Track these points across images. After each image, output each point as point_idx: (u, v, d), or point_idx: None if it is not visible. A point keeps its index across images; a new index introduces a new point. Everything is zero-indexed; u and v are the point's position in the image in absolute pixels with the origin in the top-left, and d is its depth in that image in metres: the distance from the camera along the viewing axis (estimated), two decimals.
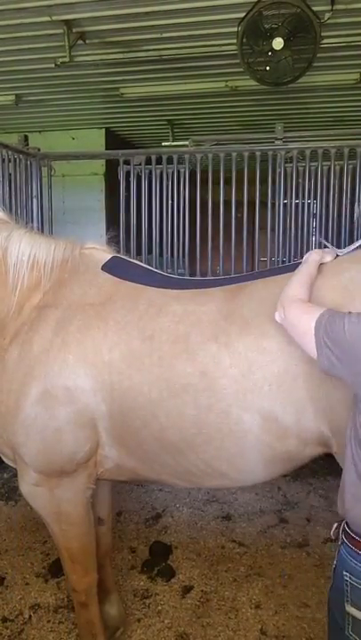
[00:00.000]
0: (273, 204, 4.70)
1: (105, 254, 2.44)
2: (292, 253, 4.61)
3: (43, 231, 4.85)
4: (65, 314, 2.20)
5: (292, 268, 2.17)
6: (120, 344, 2.10)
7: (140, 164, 4.77)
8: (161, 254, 4.98)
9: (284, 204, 4.61)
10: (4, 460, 2.43)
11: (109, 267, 2.36)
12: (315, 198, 4.69)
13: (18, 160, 4.61)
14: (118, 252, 2.55)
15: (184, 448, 2.08)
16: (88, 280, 2.30)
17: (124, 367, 2.08)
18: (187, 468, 2.14)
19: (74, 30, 4.63)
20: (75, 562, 2.37)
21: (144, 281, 2.30)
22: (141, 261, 4.86)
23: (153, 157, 4.78)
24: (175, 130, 7.61)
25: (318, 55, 4.53)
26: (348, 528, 1.65)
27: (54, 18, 4.41)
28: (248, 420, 1.98)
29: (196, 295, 2.20)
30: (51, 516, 2.30)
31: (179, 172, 4.81)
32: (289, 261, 4.66)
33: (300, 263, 2.07)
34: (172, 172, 4.80)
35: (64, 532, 2.32)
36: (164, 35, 4.67)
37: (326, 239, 4.63)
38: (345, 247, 2.20)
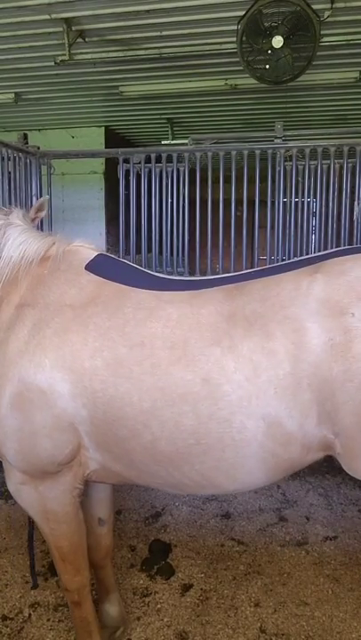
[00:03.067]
0: (273, 203, 4.70)
1: (90, 252, 2.33)
2: (292, 252, 4.61)
3: (42, 230, 4.85)
4: (42, 315, 2.11)
5: (287, 267, 2.14)
6: (103, 351, 2.00)
7: (139, 163, 4.77)
8: (160, 252, 4.98)
9: (284, 203, 4.60)
10: None
11: (94, 266, 2.25)
12: (314, 197, 4.69)
13: (17, 158, 4.61)
14: (117, 251, 2.51)
15: (178, 460, 1.99)
16: (69, 279, 2.20)
17: (108, 375, 1.97)
18: (179, 480, 2.05)
19: (73, 28, 4.63)
20: (65, 561, 2.34)
21: (131, 282, 2.19)
22: (141, 260, 4.87)
23: (152, 156, 4.78)
24: (175, 128, 7.61)
25: (318, 53, 4.54)
26: None
27: (54, 16, 4.42)
28: (252, 428, 1.89)
29: (192, 297, 2.08)
30: (38, 514, 2.28)
31: (178, 170, 4.81)
32: (288, 260, 4.66)
33: (297, 261, 2.02)
34: (172, 171, 4.80)
35: (52, 531, 2.30)
36: (164, 33, 4.68)
37: (326, 238, 4.63)
38: (344, 246, 2.18)
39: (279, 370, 1.86)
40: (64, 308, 2.11)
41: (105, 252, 2.41)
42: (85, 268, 2.24)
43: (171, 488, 2.18)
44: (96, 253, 2.33)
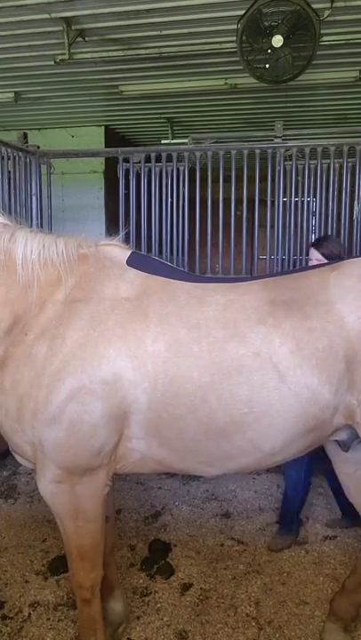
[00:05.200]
0: (272, 202, 4.70)
1: (124, 250, 2.49)
2: (292, 251, 4.62)
3: (42, 229, 4.86)
4: (99, 308, 2.23)
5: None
6: (165, 334, 2.17)
7: (139, 162, 4.77)
8: (160, 252, 4.98)
9: (284, 202, 4.60)
10: (19, 460, 2.41)
11: (133, 262, 2.42)
12: (314, 196, 4.69)
13: (17, 158, 4.61)
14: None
15: (232, 430, 2.16)
16: (117, 275, 2.35)
17: (171, 356, 2.14)
18: (226, 451, 2.22)
19: (73, 28, 4.63)
20: (84, 559, 2.37)
21: (170, 275, 2.40)
22: None
23: (152, 155, 4.78)
24: (175, 127, 7.61)
25: (318, 53, 4.54)
26: None
27: (54, 15, 4.42)
28: (299, 394, 2.13)
29: (232, 287, 2.34)
30: (69, 513, 2.30)
31: (178, 169, 4.80)
32: (288, 259, 4.67)
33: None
34: (172, 170, 4.80)
35: (79, 529, 2.32)
36: (164, 32, 4.68)
37: (326, 237, 4.63)
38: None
39: (318, 344, 2.14)
40: (120, 300, 2.26)
41: (136, 251, 2.59)
42: (127, 264, 2.41)
43: (210, 465, 2.31)
44: (130, 251, 2.51)
